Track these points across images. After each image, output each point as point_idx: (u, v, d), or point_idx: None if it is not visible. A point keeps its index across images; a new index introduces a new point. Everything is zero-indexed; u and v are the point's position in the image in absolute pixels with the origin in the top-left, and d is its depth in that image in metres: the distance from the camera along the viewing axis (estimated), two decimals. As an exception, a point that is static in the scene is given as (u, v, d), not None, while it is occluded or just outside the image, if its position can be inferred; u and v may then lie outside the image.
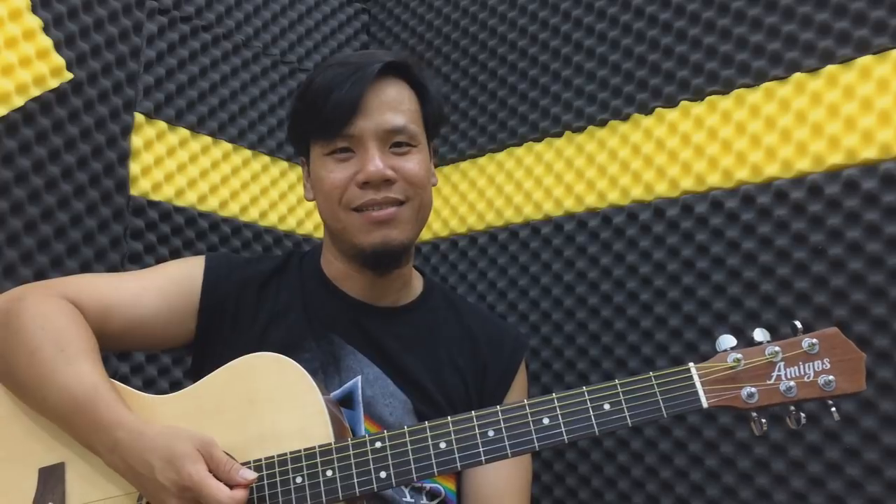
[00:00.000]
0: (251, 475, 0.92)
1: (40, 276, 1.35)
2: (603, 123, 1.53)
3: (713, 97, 1.38)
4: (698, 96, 1.40)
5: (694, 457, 1.33)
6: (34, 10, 1.36)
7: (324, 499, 0.93)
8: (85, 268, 1.41)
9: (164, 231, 1.54)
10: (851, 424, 1.17)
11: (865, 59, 1.21)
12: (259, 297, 1.20)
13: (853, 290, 1.19)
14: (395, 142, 1.14)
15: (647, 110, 1.47)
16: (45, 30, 1.37)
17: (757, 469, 1.26)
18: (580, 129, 1.56)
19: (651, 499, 1.37)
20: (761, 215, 1.29)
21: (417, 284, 1.28)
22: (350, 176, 1.13)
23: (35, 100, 1.35)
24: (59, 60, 1.39)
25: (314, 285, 1.23)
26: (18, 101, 1.33)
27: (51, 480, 1.00)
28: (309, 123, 1.17)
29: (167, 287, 1.16)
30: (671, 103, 1.44)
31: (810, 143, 1.25)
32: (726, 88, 1.37)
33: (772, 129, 1.30)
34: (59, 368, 0.99)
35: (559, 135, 1.60)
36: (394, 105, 1.15)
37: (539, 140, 1.63)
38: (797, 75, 1.28)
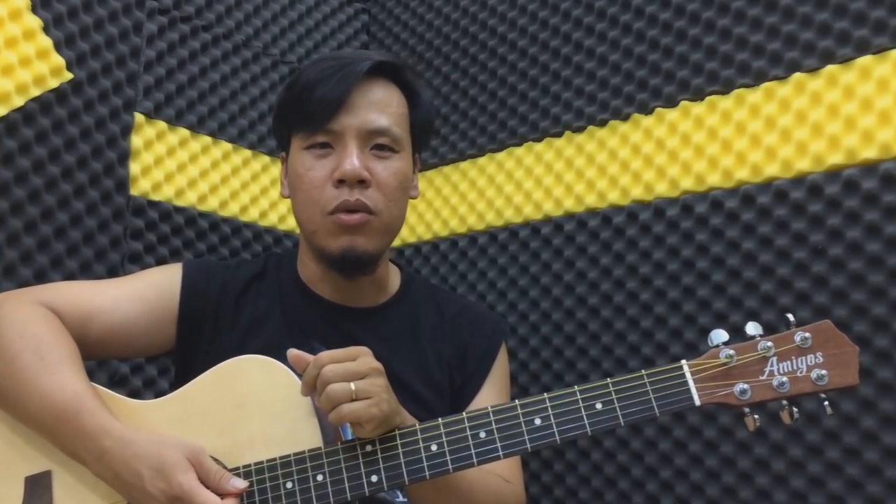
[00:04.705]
0: (242, 484, 0.91)
1: (40, 275, 1.35)
2: (603, 123, 1.53)
3: (713, 97, 1.38)
4: (698, 96, 1.40)
5: (694, 457, 1.33)
6: (34, 10, 1.36)
7: None
8: (85, 268, 1.41)
9: (164, 231, 1.54)
10: (851, 424, 1.17)
11: (865, 59, 1.21)
12: (238, 304, 1.19)
13: (853, 290, 1.19)
14: (377, 143, 1.13)
15: (647, 110, 1.47)
16: (45, 30, 1.37)
17: (757, 469, 1.26)
18: (580, 129, 1.56)
19: (651, 499, 1.37)
20: (761, 215, 1.29)
21: (395, 280, 1.27)
22: (328, 174, 1.11)
23: (35, 100, 1.35)
24: (59, 60, 1.39)
25: (291, 290, 1.21)
26: (18, 101, 1.33)
27: (37, 489, 0.98)
28: (292, 116, 1.16)
29: (146, 293, 1.14)
30: (671, 103, 1.44)
31: (810, 143, 1.25)
32: (726, 88, 1.37)
33: (772, 129, 1.30)
34: (39, 376, 0.97)
35: (559, 135, 1.60)
36: (380, 106, 1.13)
37: (539, 140, 1.63)
38: (797, 75, 1.28)
